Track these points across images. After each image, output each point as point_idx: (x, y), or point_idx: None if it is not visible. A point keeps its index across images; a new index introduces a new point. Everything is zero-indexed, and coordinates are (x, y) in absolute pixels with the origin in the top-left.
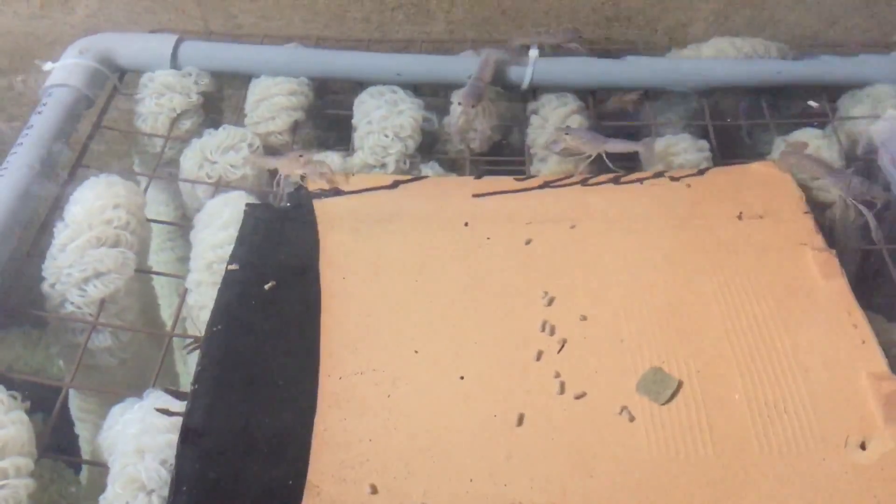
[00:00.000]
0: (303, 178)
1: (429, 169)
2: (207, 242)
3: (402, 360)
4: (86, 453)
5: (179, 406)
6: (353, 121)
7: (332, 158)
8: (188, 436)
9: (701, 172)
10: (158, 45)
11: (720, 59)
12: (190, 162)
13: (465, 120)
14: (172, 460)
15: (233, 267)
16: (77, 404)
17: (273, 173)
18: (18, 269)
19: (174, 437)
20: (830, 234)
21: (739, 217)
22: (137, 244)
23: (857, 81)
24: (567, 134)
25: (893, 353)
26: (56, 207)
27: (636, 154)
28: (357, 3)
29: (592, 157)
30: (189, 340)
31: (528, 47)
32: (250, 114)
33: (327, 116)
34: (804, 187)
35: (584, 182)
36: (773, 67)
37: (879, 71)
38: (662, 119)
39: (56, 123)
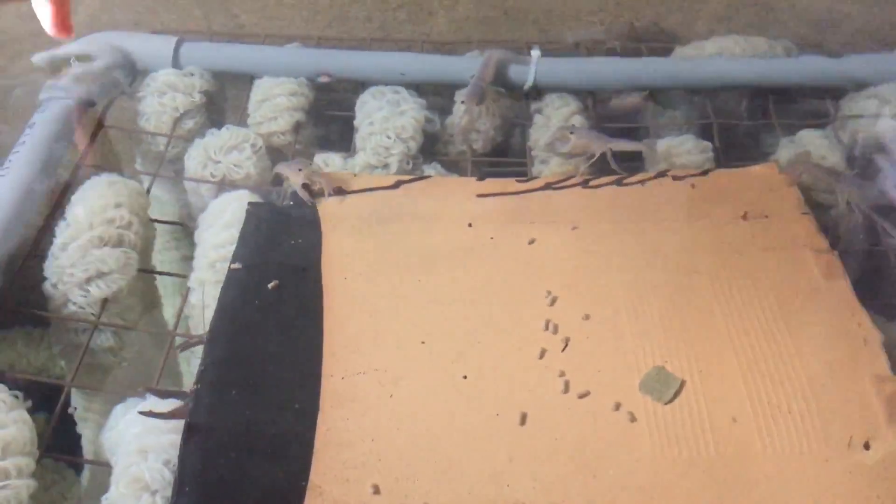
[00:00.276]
0: (305, 186)
1: (431, 169)
2: (210, 242)
3: (404, 359)
4: (88, 453)
5: (166, 406)
6: (355, 121)
7: (334, 159)
8: (191, 436)
9: (704, 173)
10: (160, 45)
11: (724, 58)
12: (193, 161)
13: (468, 119)
14: (175, 460)
15: (235, 266)
16: (79, 404)
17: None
18: (20, 268)
19: (177, 438)
20: (833, 235)
21: (743, 218)
22: (140, 244)
23: (861, 81)
24: (572, 133)
25: (895, 354)
26: (58, 207)
27: (639, 155)
28: (359, 3)
29: (595, 157)
30: (183, 340)
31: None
32: (253, 114)
33: (329, 117)
34: (806, 189)
35: (585, 183)
36: (777, 67)
37: (884, 71)
38: (665, 119)
39: (58, 123)
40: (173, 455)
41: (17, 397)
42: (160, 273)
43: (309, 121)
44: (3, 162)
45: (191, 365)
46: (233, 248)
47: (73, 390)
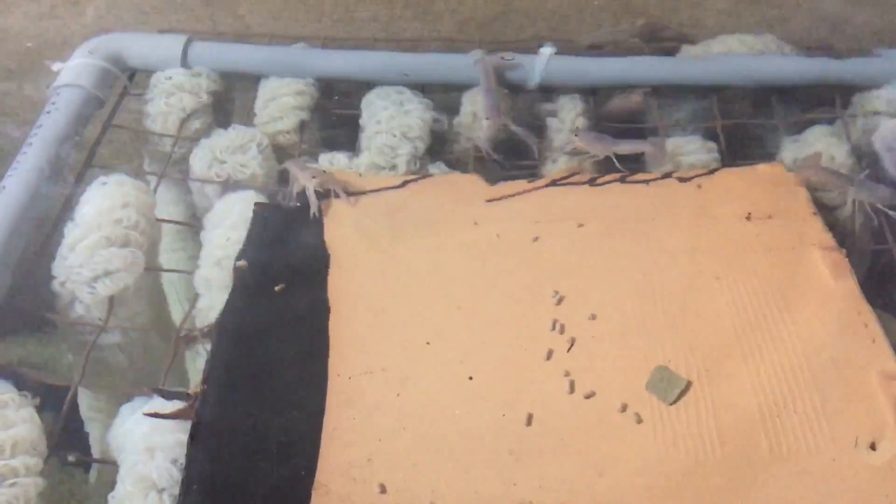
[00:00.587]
0: (317, 193)
1: (435, 168)
2: (216, 242)
3: (411, 359)
4: (96, 452)
5: (171, 406)
6: (361, 121)
7: (339, 159)
8: (198, 435)
9: (710, 173)
10: (168, 46)
11: (729, 56)
12: (200, 162)
13: (494, 130)
14: (183, 459)
15: (241, 263)
16: (87, 403)
17: (284, 173)
18: (29, 268)
19: (184, 436)
20: (840, 235)
21: (748, 217)
22: (147, 244)
23: (868, 81)
24: (576, 136)
25: None
26: (66, 207)
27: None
28: (364, 3)
29: (599, 158)
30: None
31: (598, 47)
32: (259, 113)
33: (334, 116)
34: (813, 190)
35: (591, 181)
36: (783, 66)
37: (891, 70)
38: (671, 119)
39: (65, 124)
40: (180, 454)
41: (25, 396)
42: (166, 270)
43: (314, 120)
44: (11, 163)
45: (196, 364)
46: (238, 248)
47: (81, 389)
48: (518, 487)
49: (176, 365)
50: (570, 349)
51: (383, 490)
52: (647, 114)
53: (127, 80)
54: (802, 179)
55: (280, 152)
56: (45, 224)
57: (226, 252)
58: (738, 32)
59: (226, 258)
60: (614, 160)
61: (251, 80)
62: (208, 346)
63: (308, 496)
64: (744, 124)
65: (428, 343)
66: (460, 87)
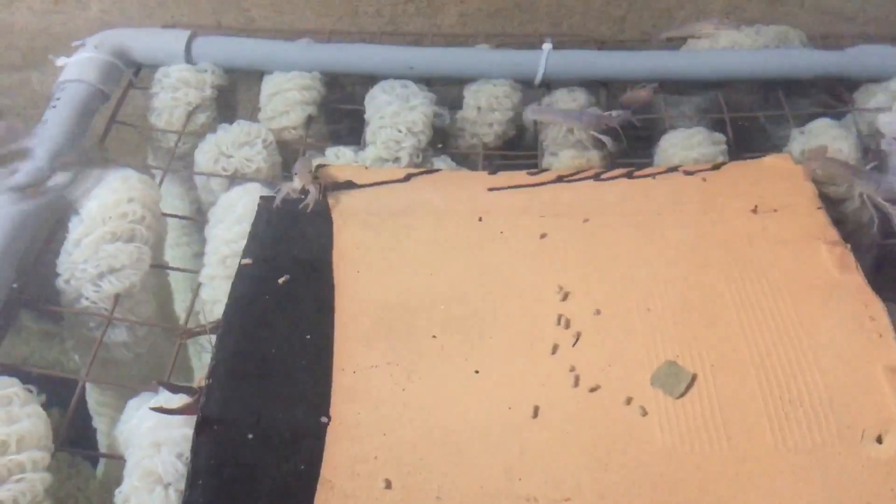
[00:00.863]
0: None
1: (441, 163)
2: (222, 237)
3: (416, 354)
4: (103, 447)
5: (177, 401)
6: (366, 115)
7: (345, 153)
8: (203, 429)
9: (716, 167)
10: (172, 40)
11: (735, 50)
12: (205, 157)
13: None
14: (188, 454)
15: (246, 261)
16: (94, 398)
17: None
18: (34, 264)
19: (190, 431)
20: (846, 229)
21: (754, 211)
22: (153, 239)
23: (875, 74)
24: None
25: None
26: (71, 203)
27: (651, 148)
28: None
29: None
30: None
31: (683, 40)
32: (264, 108)
33: (339, 111)
34: (820, 183)
35: (597, 176)
36: (790, 59)
37: None
38: (678, 112)
39: (70, 119)
40: (186, 448)
41: (30, 391)
42: (171, 269)
43: (320, 115)
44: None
45: (202, 359)
46: (244, 242)
47: (88, 385)
48: (523, 482)
49: (182, 362)
50: (575, 343)
51: (388, 485)
52: (657, 108)
53: (132, 75)
54: (809, 171)
55: (285, 147)
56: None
57: (231, 249)
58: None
59: (231, 255)
60: (587, 134)
61: (256, 75)
62: (213, 341)
63: (313, 491)
64: (751, 116)
65: (434, 337)
66: (465, 81)
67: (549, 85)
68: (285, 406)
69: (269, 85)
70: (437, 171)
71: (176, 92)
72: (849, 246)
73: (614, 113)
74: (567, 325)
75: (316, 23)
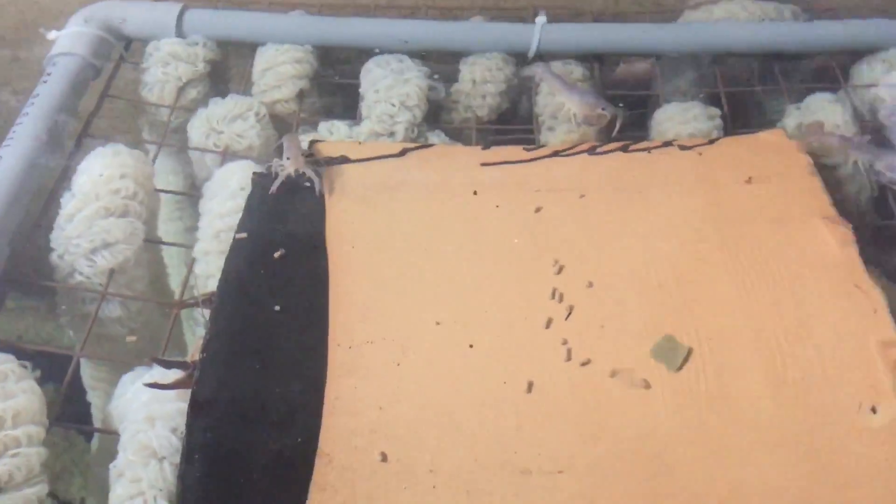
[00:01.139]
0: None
1: (435, 137)
2: (215, 212)
3: (411, 328)
4: (97, 421)
5: (171, 375)
6: (361, 90)
7: (339, 127)
8: (198, 404)
9: (711, 142)
10: (163, 14)
11: (731, 22)
12: (197, 131)
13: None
14: (183, 428)
15: (241, 236)
16: (89, 373)
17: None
18: (27, 239)
19: (184, 405)
20: (843, 203)
21: (749, 182)
22: (146, 214)
23: (871, 46)
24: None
25: None
26: (63, 178)
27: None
28: None
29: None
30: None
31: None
32: (257, 82)
33: (333, 85)
34: (816, 157)
35: (592, 151)
36: (786, 31)
37: (894, 36)
38: (672, 86)
39: (62, 93)
40: (180, 422)
41: (25, 367)
42: (165, 243)
43: (313, 89)
44: (8, 133)
45: (195, 334)
46: (238, 217)
47: (82, 360)
48: (518, 455)
49: (176, 337)
50: (567, 317)
51: (384, 458)
52: (653, 81)
53: (122, 48)
54: (805, 146)
55: (279, 121)
56: (42, 195)
57: (225, 223)
58: None
59: (225, 230)
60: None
61: (248, 48)
62: (206, 315)
63: (310, 465)
64: (747, 91)
65: (428, 312)
66: (458, 54)
67: (542, 58)
68: (281, 380)
69: (261, 58)
70: (432, 146)
71: (167, 66)
72: (845, 221)
73: (608, 109)
74: (561, 299)
75: None
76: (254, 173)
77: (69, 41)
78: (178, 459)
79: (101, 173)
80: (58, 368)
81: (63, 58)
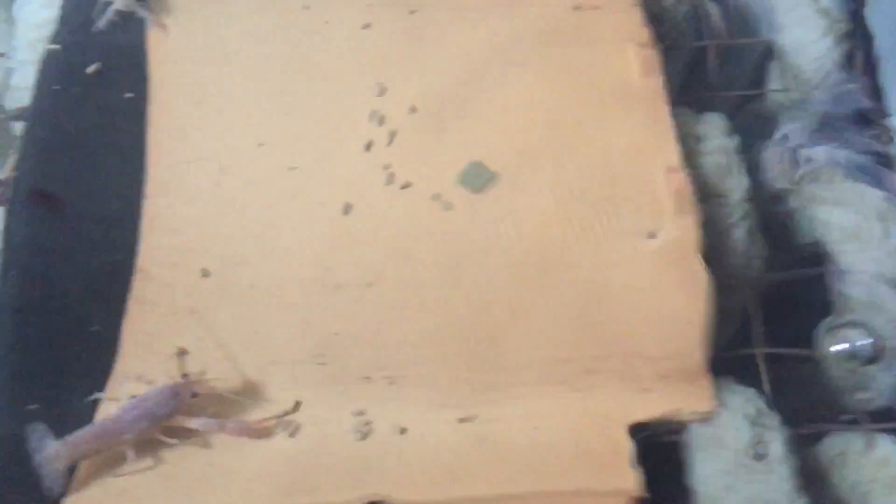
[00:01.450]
0: None
1: None
2: (30, 21)
3: (232, 148)
4: None
5: None
6: None
7: None
8: (13, 219)
9: None
10: None
11: None
12: None
13: None
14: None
15: (53, 47)
16: None
17: None
18: None
19: None
20: (662, 27)
21: (577, 8)
22: None
23: None
24: None
25: (694, 147)
26: None
27: None
28: None
29: None
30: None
31: None
32: None
33: None
34: None
35: None
36: None
37: None
38: None
39: None
40: None
41: None
42: None
43: None
44: None
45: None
46: (53, 27)
47: None
48: (332, 272)
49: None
50: (390, 143)
51: (205, 274)
52: None
53: None
54: None
55: None
56: None
57: (40, 33)
58: None
59: (39, 40)
60: None
61: None
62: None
63: (128, 280)
64: None
65: (250, 132)
66: None
67: None
68: (98, 197)
69: None
70: None
71: None
72: (657, 48)
73: None
74: (381, 122)
75: None
76: None
77: None
78: None
79: None
80: None
81: None
